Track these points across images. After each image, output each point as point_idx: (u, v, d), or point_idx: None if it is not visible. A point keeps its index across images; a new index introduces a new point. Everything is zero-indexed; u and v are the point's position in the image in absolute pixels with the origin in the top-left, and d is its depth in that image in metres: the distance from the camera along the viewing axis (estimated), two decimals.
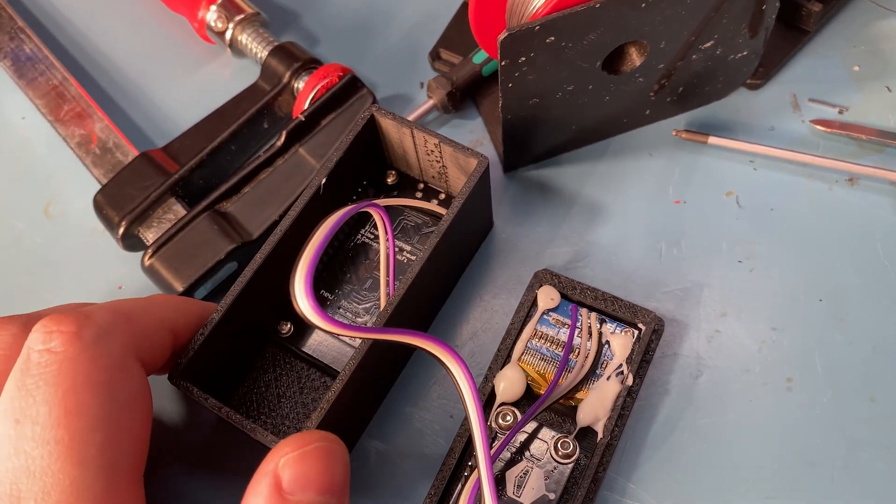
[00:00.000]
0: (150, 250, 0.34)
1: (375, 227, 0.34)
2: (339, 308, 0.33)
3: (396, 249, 0.34)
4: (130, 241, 0.35)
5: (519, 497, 0.28)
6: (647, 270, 0.35)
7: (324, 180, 0.31)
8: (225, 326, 0.29)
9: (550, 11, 0.30)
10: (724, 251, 0.35)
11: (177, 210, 0.35)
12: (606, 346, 0.31)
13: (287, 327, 0.32)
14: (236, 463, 0.31)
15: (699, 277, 0.34)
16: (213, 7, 0.40)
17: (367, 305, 0.33)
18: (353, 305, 0.33)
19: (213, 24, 0.40)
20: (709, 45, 0.34)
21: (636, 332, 0.31)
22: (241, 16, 0.40)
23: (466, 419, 0.25)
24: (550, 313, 0.31)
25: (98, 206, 0.36)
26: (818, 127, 0.37)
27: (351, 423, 0.30)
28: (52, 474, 0.21)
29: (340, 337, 0.32)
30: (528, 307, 0.31)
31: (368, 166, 0.34)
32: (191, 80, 0.42)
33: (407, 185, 0.35)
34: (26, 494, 0.21)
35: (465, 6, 0.42)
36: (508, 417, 0.29)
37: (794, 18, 0.39)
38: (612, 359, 0.30)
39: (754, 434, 0.31)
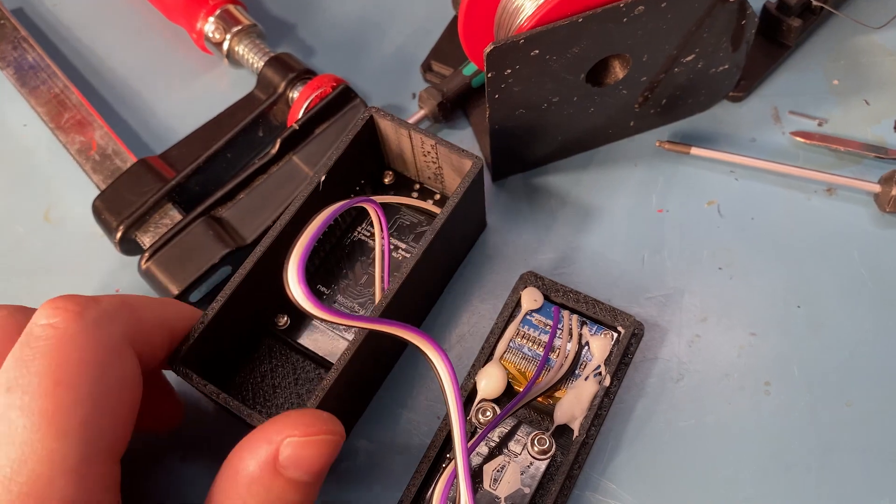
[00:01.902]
0: (146, 254, 0.35)
1: (371, 224, 0.35)
2: (334, 302, 0.34)
3: (392, 247, 0.35)
4: (128, 246, 0.36)
5: (495, 490, 0.29)
6: (630, 276, 0.36)
7: (323, 177, 0.32)
8: (224, 317, 0.30)
9: (535, 25, 0.31)
10: (706, 258, 0.36)
11: (173, 215, 0.36)
12: (586, 347, 0.31)
13: (284, 320, 0.33)
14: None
15: (681, 284, 0.35)
16: (212, 19, 0.41)
17: (363, 300, 0.34)
18: (349, 301, 0.34)
19: (211, 35, 0.41)
20: (691, 58, 0.35)
21: (616, 334, 0.32)
22: (239, 27, 0.41)
23: (447, 412, 0.25)
24: (533, 314, 0.32)
25: (97, 211, 0.37)
26: (798, 139, 0.38)
27: (342, 415, 0.31)
28: (30, 444, 0.21)
29: (334, 328, 0.33)
30: (512, 307, 0.32)
31: (366, 166, 0.35)
32: (188, 89, 0.43)
33: (403, 185, 0.36)
34: (3, 461, 0.21)
35: (456, 19, 0.43)
36: (488, 413, 0.30)
37: (775, 33, 0.40)
38: (591, 360, 0.31)
39: (732, 437, 0.32)
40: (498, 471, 0.29)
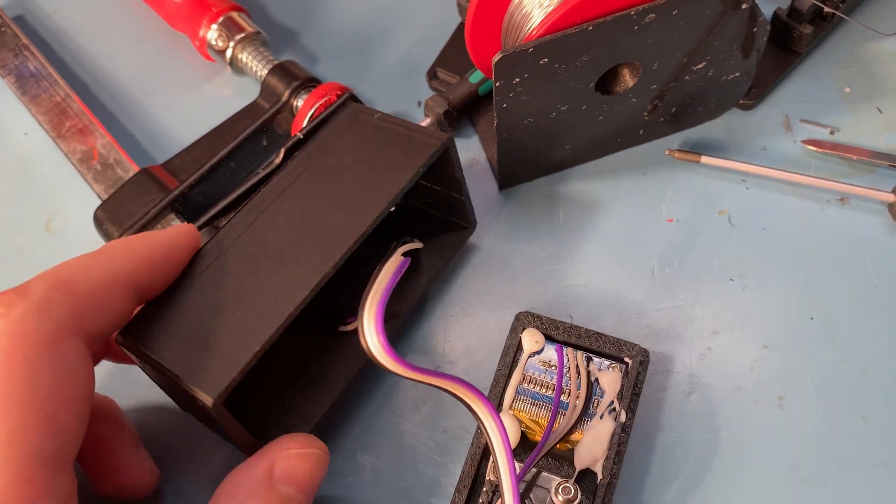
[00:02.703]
0: None
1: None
2: None
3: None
4: None
5: None
6: (640, 288, 0.35)
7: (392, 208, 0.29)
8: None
9: (544, 33, 0.31)
10: (717, 269, 0.35)
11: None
12: (596, 383, 0.31)
13: None
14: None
15: (692, 295, 0.35)
16: (215, 26, 0.41)
17: None
18: None
19: (213, 42, 0.41)
20: (701, 66, 0.35)
21: (623, 366, 0.31)
22: (242, 35, 0.40)
23: (496, 469, 0.25)
24: (536, 356, 0.31)
25: (98, 222, 0.36)
26: (810, 147, 0.38)
27: None
28: None
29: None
30: (513, 352, 0.31)
31: None
32: (191, 98, 0.42)
33: None
34: None
35: (462, 26, 0.42)
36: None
37: (786, 40, 0.39)
38: (603, 396, 0.30)
39: (746, 452, 0.31)
40: None
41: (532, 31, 0.32)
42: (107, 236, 0.36)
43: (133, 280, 0.25)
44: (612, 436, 0.29)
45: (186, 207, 0.37)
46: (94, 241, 0.37)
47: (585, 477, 0.29)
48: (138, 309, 0.27)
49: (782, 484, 0.31)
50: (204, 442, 0.32)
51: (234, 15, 0.41)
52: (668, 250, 0.36)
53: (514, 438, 0.29)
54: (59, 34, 0.45)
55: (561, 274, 0.36)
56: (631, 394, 0.30)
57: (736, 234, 0.36)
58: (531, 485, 0.29)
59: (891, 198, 0.35)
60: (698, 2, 0.31)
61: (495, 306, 0.35)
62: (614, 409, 0.30)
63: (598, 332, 0.31)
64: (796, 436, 0.31)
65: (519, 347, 0.31)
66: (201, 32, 0.41)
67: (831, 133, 0.38)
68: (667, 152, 0.38)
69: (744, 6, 0.32)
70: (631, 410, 0.30)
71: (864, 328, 0.33)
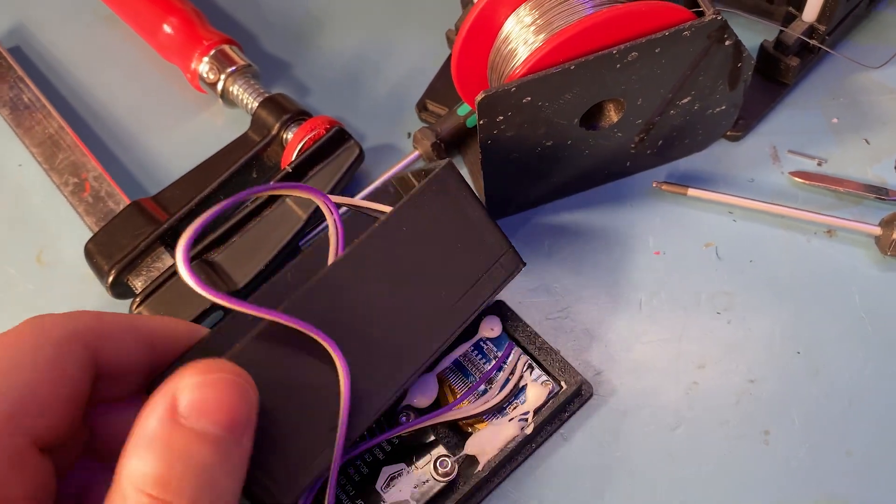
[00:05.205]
0: (138, 299, 0.35)
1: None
2: None
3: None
4: (119, 290, 0.36)
5: (383, 492, 0.29)
6: (626, 321, 0.35)
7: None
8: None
9: (529, 71, 0.31)
10: (703, 302, 0.35)
11: (165, 259, 0.36)
12: (523, 390, 0.32)
13: None
14: None
15: (678, 329, 0.35)
16: (206, 59, 0.41)
17: None
18: None
19: (205, 75, 0.41)
20: (686, 100, 0.35)
21: (557, 388, 0.32)
22: (233, 68, 0.41)
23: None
24: (487, 342, 0.32)
25: (89, 255, 0.37)
26: (797, 179, 0.38)
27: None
28: None
29: None
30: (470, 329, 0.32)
31: None
32: (183, 129, 0.43)
33: None
34: None
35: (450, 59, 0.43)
36: (403, 419, 0.31)
37: (774, 72, 0.40)
38: (523, 403, 0.31)
39: (731, 487, 0.31)
40: (394, 475, 0.29)
41: (517, 69, 0.32)
42: (97, 269, 0.36)
43: (149, 337, 0.26)
44: (510, 441, 0.30)
45: (176, 241, 0.37)
46: (85, 273, 0.37)
47: (473, 464, 0.30)
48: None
49: None
50: None
51: (226, 48, 0.41)
52: (654, 283, 0.36)
53: (428, 397, 0.31)
54: (54, 65, 0.46)
55: (548, 306, 0.36)
56: (553, 416, 0.31)
57: (723, 266, 0.36)
58: (423, 447, 0.31)
59: (877, 231, 0.35)
60: (680, 39, 0.31)
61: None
62: (526, 420, 0.31)
63: (553, 349, 0.32)
64: (782, 471, 0.31)
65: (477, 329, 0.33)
66: (193, 65, 0.41)
67: (819, 164, 0.38)
68: (654, 184, 0.38)
69: (727, 42, 0.32)
70: (545, 431, 0.31)
71: (849, 362, 0.33)
